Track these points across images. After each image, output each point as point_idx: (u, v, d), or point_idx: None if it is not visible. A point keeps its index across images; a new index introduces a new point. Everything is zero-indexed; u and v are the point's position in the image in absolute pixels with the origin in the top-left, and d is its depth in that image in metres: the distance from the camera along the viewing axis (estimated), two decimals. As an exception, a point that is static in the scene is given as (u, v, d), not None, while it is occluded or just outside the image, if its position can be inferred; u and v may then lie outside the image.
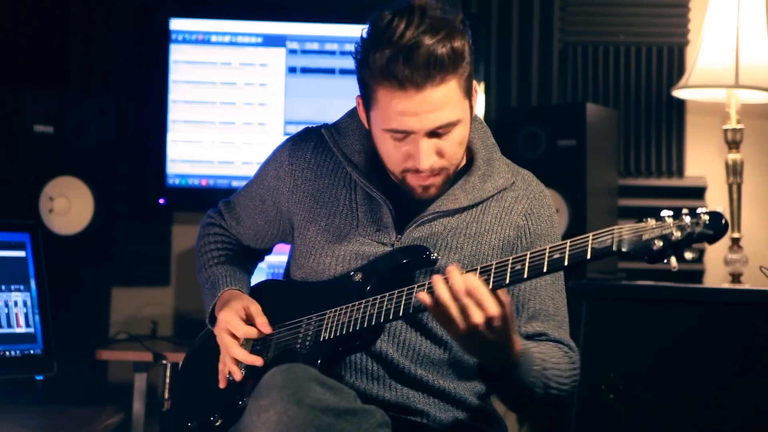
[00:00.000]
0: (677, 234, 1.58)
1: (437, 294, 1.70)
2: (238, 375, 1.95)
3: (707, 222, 1.57)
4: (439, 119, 1.83)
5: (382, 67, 1.80)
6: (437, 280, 1.71)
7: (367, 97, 1.89)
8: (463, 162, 2.01)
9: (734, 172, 3.43)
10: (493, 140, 2.06)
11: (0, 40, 3.69)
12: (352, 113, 2.06)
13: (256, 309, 1.98)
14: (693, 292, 2.79)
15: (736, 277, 3.42)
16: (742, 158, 3.43)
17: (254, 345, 1.99)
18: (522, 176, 2.05)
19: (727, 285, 3.41)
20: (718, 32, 3.43)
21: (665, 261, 1.60)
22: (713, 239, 1.58)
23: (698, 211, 1.59)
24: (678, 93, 3.59)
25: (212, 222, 2.24)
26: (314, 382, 1.68)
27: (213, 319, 2.07)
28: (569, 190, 3.39)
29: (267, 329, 1.96)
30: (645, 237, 1.60)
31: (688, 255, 1.59)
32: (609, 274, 3.45)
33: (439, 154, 1.87)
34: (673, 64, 3.78)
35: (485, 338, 1.70)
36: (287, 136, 2.17)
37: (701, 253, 3.74)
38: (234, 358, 1.96)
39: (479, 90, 1.93)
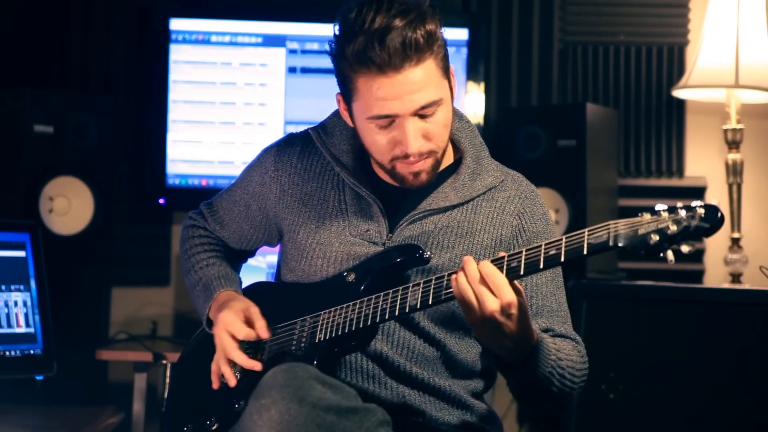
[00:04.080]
0: (673, 228, 1.58)
1: (455, 280, 1.69)
2: (232, 380, 1.94)
3: (703, 215, 1.57)
4: (422, 99, 1.83)
5: (359, 54, 1.81)
6: (461, 266, 1.71)
7: (347, 89, 1.89)
8: (452, 160, 2.03)
9: (734, 172, 3.43)
10: (480, 140, 2.06)
11: (0, 40, 3.69)
12: (338, 113, 2.05)
13: (255, 312, 1.97)
14: (693, 292, 2.79)
15: (736, 277, 3.42)
16: (742, 158, 3.43)
17: (248, 347, 1.98)
18: (512, 176, 2.05)
19: (727, 285, 3.41)
20: (718, 32, 3.43)
21: (661, 255, 1.60)
22: (709, 232, 1.57)
23: (694, 204, 1.59)
24: (678, 93, 3.59)
25: (195, 224, 2.22)
26: (315, 380, 1.68)
27: (209, 321, 2.06)
28: (569, 190, 3.39)
29: (266, 334, 1.94)
30: (641, 231, 1.60)
31: (685, 249, 1.58)
32: (609, 274, 3.44)
33: (426, 137, 1.87)
34: (673, 64, 3.78)
35: (502, 327, 1.69)
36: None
37: (701, 252, 3.74)
38: (231, 360, 1.95)
39: (455, 76, 1.94)
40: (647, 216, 1.61)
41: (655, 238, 1.58)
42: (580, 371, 1.91)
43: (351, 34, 1.82)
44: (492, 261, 1.71)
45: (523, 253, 1.69)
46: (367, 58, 1.80)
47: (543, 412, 1.99)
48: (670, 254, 1.59)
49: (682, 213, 1.58)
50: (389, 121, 1.85)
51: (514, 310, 1.67)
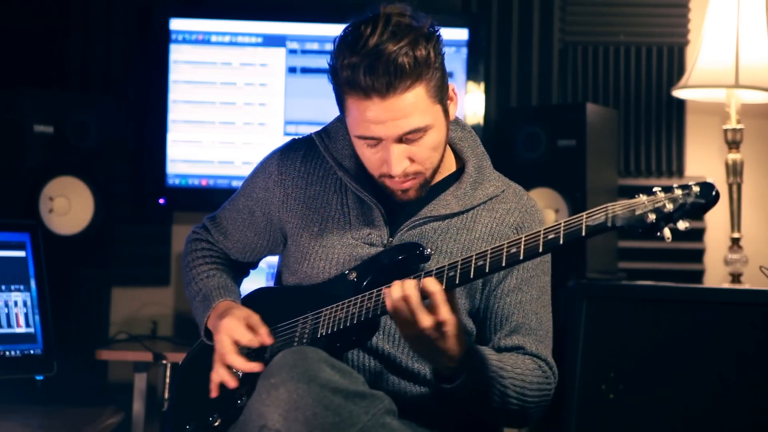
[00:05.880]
0: (669, 206, 1.60)
1: (391, 296, 1.75)
2: (232, 382, 1.94)
3: (698, 192, 1.60)
4: (406, 126, 1.84)
5: (347, 76, 1.82)
6: (394, 284, 1.76)
7: (340, 104, 1.92)
8: (454, 168, 2.04)
9: (734, 172, 3.43)
10: (483, 149, 2.07)
11: (0, 40, 3.69)
12: (342, 117, 2.06)
13: (257, 320, 1.98)
14: (693, 292, 2.78)
15: (736, 277, 3.42)
16: (742, 158, 3.43)
17: (248, 353, 1.98)
18: (513, 189, 2.07)
19: (727, 285, 3.41)
20: (718, 32, 3.43)
21: (658, 234, 1.62)
22: (705, 208, 1.60)
23: (689, 183, 1.62)
24: (678, 93, 3.59)
25: (198, 237, 2.23)
26: (325, 363, 1.69)
27: (207, 331, 2.06)
28: (569, 190, 3.39)
29: (269, 340, 1.95)
30: (638, 212, 1.62)
31: (682, 225, 1.60)
32: (609, 274, 3.44)
33: (412, 159, 1.89)
34: (673, 64, 3.78)
35: (435, 342, 1.75)
36: (287, 137, 2.17)
37: (701, 252, 3.74)
38: (230, 365, 1.94)
39: (457, 94, 1.95)
40: (643, 197, 1.64)
41: (652, 217, 1.61)
42: (536, 390, 1.93)
43: (344, 52, 1.83)
44: (476, 255, 1.75)
45: (522, 239, 1.72)
46: (354, 81, 1.81)
47: (493, 423, 2.03)
48: (667, 231, 1.61)
49: (678, 192, 1.61)
50: (376, 141, 1.88)
51: (447, 328, 1.74)
